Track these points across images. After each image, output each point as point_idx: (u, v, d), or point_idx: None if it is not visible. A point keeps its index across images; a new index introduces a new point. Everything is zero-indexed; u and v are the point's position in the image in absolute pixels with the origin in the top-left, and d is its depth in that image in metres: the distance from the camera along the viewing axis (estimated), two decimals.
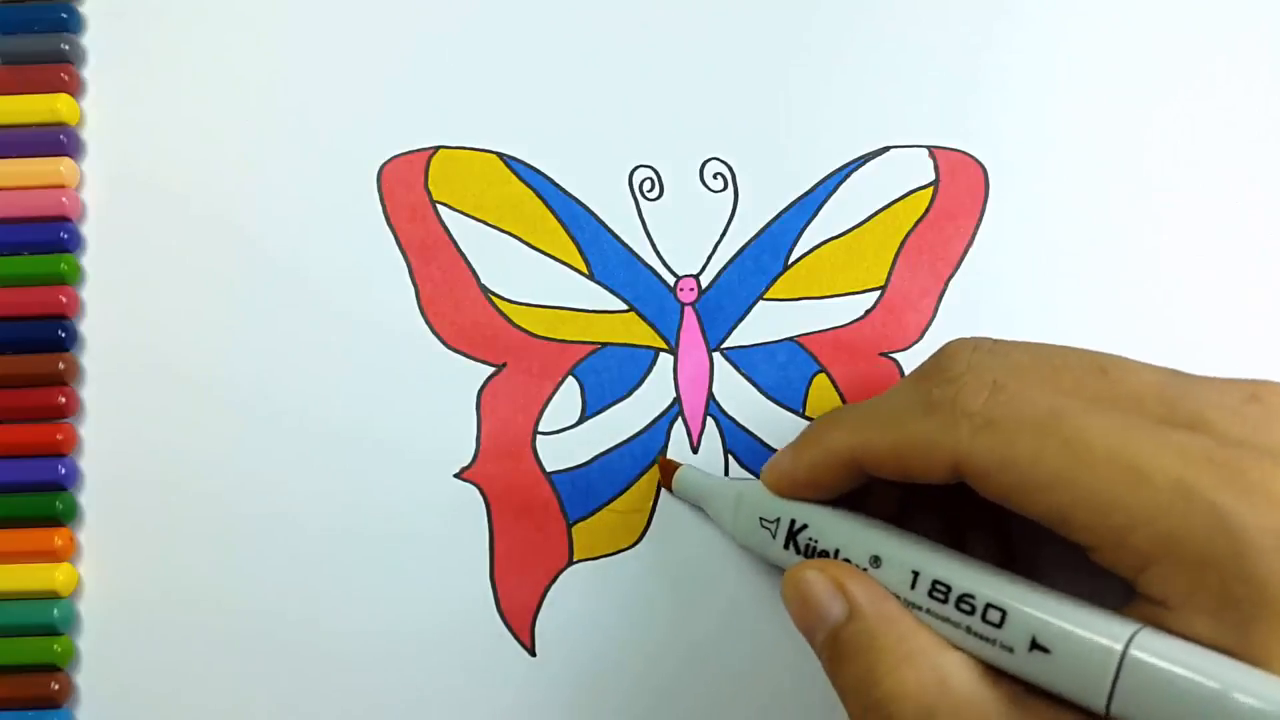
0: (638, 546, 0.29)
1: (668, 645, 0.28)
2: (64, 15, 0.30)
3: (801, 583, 0.23)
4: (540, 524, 0.29)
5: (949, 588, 0.21)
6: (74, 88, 0.30)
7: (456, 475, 0.29)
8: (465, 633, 0.28)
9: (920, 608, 0.22)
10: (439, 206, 0.30)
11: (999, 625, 0.20)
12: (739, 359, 0.29)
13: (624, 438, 0.29)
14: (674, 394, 0.29)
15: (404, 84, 0.30)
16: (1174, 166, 0.30)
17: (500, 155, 0.30)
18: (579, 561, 0.29)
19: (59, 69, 0.30)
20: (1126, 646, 0.19)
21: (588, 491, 0.29)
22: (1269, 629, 0.18)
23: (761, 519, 0.26)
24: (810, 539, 0.24)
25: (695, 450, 0.29)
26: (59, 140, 0.30)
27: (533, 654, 0.28)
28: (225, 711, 0.28)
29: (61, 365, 0.29)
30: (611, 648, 0.28)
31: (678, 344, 0.29)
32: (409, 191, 0.30)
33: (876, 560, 0.23)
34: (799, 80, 0.30)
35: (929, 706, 0.20)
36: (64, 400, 0.29)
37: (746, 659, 0.28)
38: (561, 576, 0.29)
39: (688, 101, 0.30)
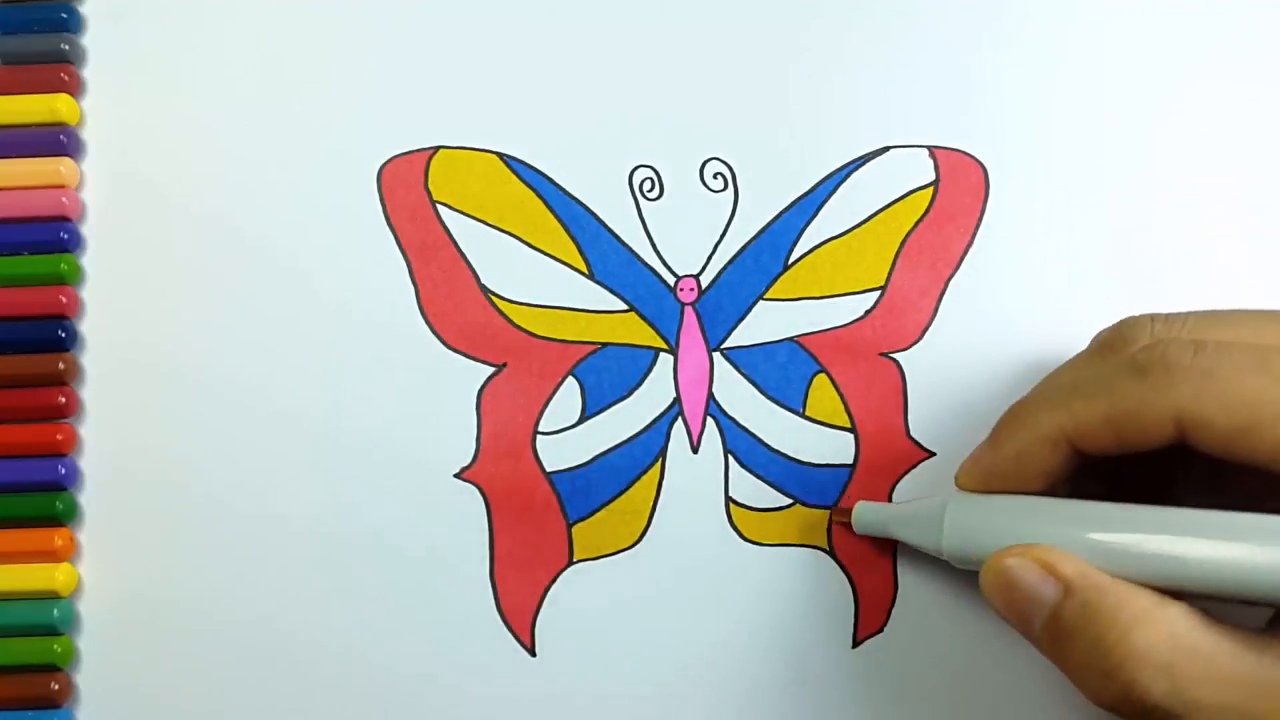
0: (638, 546, 0.29)
1: (668, 645, 0.28)
2: (64, 15, 0.30)
3: (1006, 573, 0.22)
4: (540, 524, 0.29)
5: (1181, 557, 0.21)
6: (74, 88, 0.30)
7: (456, 475, 0.29)
8: (465, 633, 0.28)
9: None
10: (439, 206, 0.30)
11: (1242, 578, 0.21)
12: (739, 359, 0.29)
13: (624, 438, 0.29)
14: (674, 394, 0.29)
15: (404, 84, 0.30)
16: (1174, 166, 0.30)
17: (500, 155, 0.30)
18: (579, 561, 0.29)
19: (59, 69, 0.30)
20: None
21: (588, 491, 0.29)
22: None
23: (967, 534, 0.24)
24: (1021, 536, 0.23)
25: (695, 450, 0.29)
26: (59, 140, 0.30)
27: (533, 654, 0.28)
28: (225, 711, 0.28)
29: (61, 365, 0.29)
30: (611, 648, 0.28)
31: (678, 344, 0.29)
32: (409, 191, 0.30)
33: (1095, 545, 0.22)
34: (799, 80, 0.30)
35: (1166, 663, 0.20)
36: (64, 400, 0.29)
37: (746, 659, 0.28)
38: (561, 576, 0.29)
39: (688, 101, 0.30)
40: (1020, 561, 0.22)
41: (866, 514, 0.27)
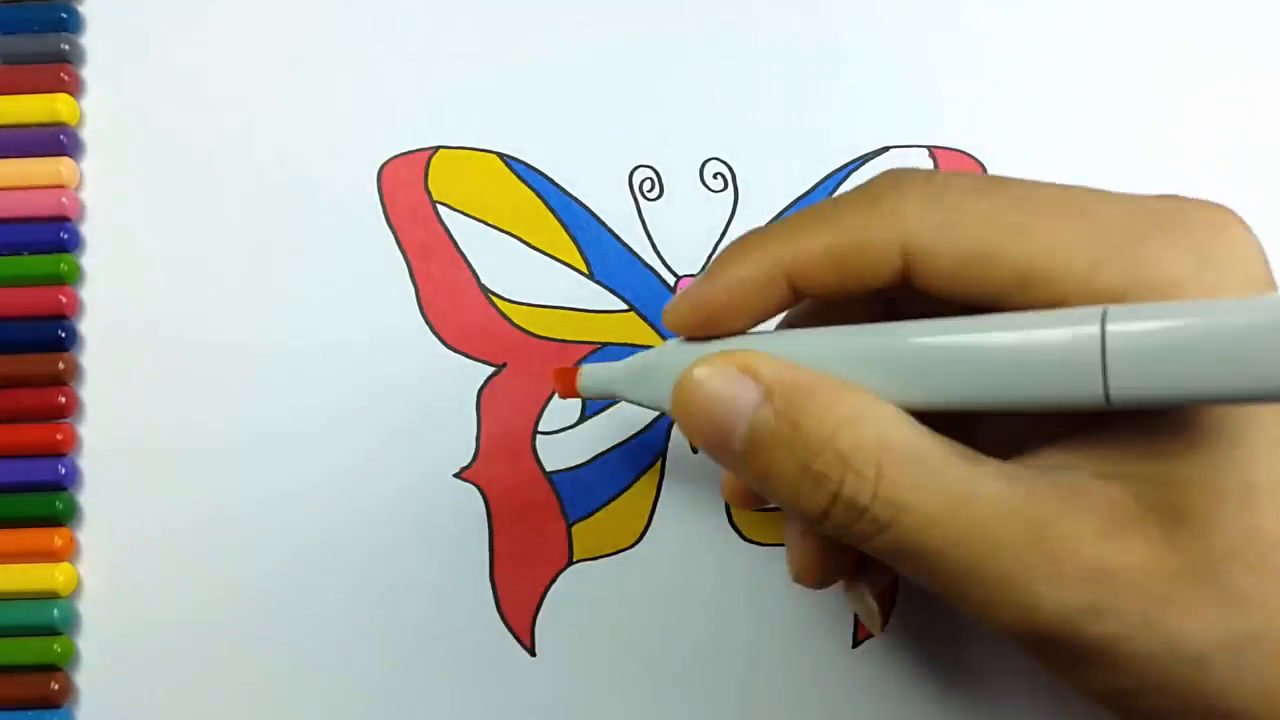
0: (638, 546, 0.29)
1: (668, 645, 0.28)
2: (64, 15, 0.30)
3: (697, 387, 0.20)
4: (540, 524, 0.29)
5: (898, 347, 0.19)
6: (74, 88, 0.30)
7: (456, 475, 0.29)
8: (465, 633, 0.28)
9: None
10: (439, 206, 0.30)
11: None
12: None
13: (624, 438, 0.29)
14: None
15: (404, 84, 0.30)
16: (1174, 167, 0.30)
17: (500, 155, 0.30)
18: (579, 561, 0.29)
19: (59, 69, 0.30)
20: (1104, 321, 0.17)
21: (588, 491, 0.29)
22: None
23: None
24: None
25: (695, 450, 0.29)
26: (59, 140, 0.30)
27: (533, 654, 0.28)
28: (224, 711, 0.28)
29: (61, 365, 0.29)
30: (611, 648, 0.28)
31: None
32: (409, 191, 0.30)
33: (813, 353, 0.20)
34: (799, 80, 0.30)
35: (874, 463, 0.18)
36: (64, 400, 0.29)
37: (746, 659, 0.28)
38: (561, 576, 0.29)
39: (688, 101, 0.30)
40: (712, 369, 0.20)
41: (591, 376, 0.25)
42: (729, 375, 0.20)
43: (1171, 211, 0.19)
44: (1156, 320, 0.17)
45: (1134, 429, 0.19)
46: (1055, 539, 0.18)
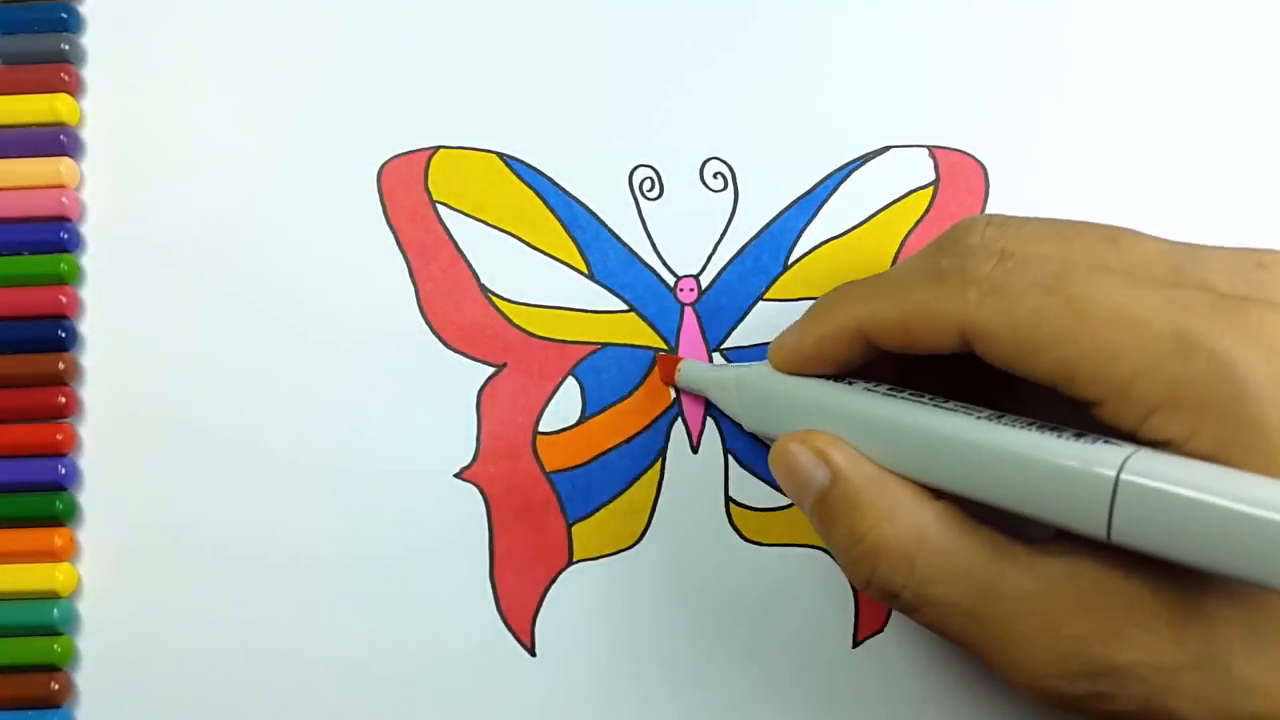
0: (638, 546, 0.29)
1: (668, 645, 0.28)
2: (64, 15, 0.30)
3: (787, 455, 0.24)
4: (540, 524, 0.29)
5: (935, 438, 0.22)
6: (74, 88, 0.30)
7: (456, 475, 0.29)
8: (465, 633, 0.28)
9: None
10: (439, 206, 0.30)
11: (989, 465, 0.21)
12: (739, 359, 0.29)
13: (624, 438, 0.29)
14: (674, 394, 0.29)
15: (404, 84, 0.30)
16: (1174, 167, 0.30)
17: (500, 155, 0.30)
18: (579, 561, 0.29)
19: (59, 69, 0.30)
20: (1122, 466, 0.19)
21: (588, 491, 0.29)
22: (1263, 466, 0.18)
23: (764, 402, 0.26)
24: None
25: (695, 450, 0.29)
26: (59, 140, 0.30)
27: (533, 654, 0.28)
28: (224, 712, 0.28)
29: (61, 365, 0.29)
30: (611, 648, 0.28)
31: (678, 344, 0.29)
32: (409, 191, 0.30)
33: (865, 425, 0.23)
34: (799, 80, 0.30)
35: (909, 558, 0.22)
36: (64, 400, 0.29)
37: (746, 659, 0.28)
38: (561, 576, 0.29)
39: (688, 101, 0.30)
40: (799, 446, 0.23)
41: (690, 375, 0.28)
42: (806, 455, 0.23)
43: (1229, 326, 0.19)
44: (1168, 484, 0.18)
45: None
46: (1068, 639, 0.20)
